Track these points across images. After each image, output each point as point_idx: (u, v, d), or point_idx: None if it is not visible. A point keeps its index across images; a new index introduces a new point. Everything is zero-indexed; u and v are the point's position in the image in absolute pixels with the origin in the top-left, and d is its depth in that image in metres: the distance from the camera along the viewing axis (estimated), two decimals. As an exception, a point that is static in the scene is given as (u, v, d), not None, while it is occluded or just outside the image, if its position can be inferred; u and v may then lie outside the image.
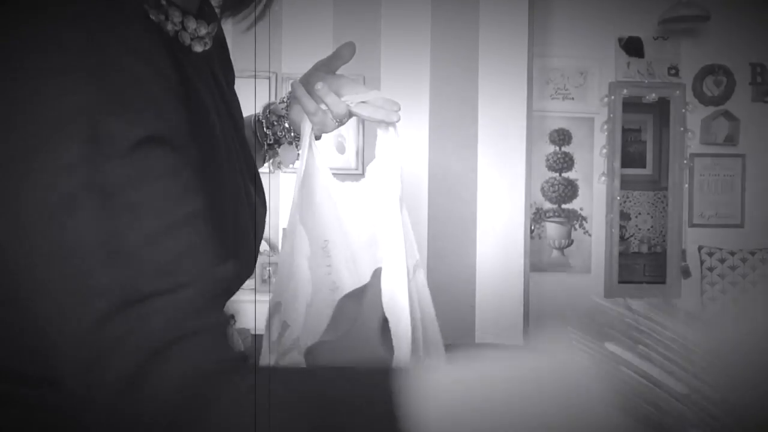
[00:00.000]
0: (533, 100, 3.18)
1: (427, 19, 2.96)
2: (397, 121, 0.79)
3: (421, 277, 0.81)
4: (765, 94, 3.98)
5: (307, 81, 0.84)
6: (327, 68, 0.84)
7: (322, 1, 2.90)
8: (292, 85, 0.86)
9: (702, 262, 3.88)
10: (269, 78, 2.82)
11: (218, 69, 0.74)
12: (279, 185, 2.85)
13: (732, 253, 3.84)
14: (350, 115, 0.82)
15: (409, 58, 2.94)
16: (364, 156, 2.85)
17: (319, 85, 0.80)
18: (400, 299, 0.68)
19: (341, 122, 0.84)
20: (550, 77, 3.88)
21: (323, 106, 0.81)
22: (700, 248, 3.91)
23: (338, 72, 0.85)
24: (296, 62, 2.87)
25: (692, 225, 3.98)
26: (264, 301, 2.86)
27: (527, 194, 3.00)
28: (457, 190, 2.97)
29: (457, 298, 2.89)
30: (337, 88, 0.80)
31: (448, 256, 2.89)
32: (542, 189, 3.94)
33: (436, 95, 2.96)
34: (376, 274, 0.73)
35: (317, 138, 0.85)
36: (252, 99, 0.93)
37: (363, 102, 0.78)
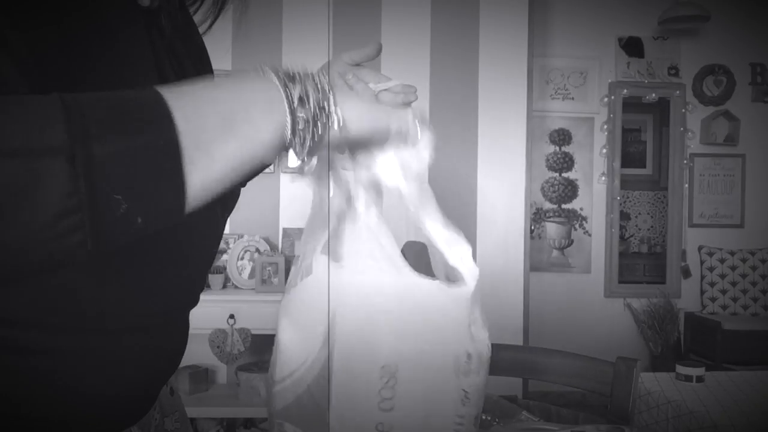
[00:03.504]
0: (533, 100, 3.18)
1: (427, 20, 2.96)
2: (415, 101, 0.85)
3: None
4: (765, 94, 3.98)
5: (334, 71, 0.87)
6: (351, 61, 0.88)
7: (322, 1, 2.90)
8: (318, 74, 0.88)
9: (702, 262, 3.88)
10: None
11: (174, 34, 0.72)
12: (279, 185, 2.86)
13: (732, 253, 3.84)
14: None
15: (409, 58, 2.94)
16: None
17: (350, 75, 0.83)
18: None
19: None
20: (550, 77, 3.89)
21: None
22: (700, 248, 3.91)
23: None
24: (296, 62, 2.87)
25: (692, 225, 3.98)
26: (264, 301, 2.85)
27: (527, 194, 3.00)
28: (457, 190, 2.97)
29: (457, 298, 2.89)
30: (362, 77, 0.85)
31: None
32: (542, 189, 3.94)
33: (436, 95, 2.96)
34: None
35: None
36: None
37: (385, 90, 0.83)
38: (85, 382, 0.62)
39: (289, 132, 0.48)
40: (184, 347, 0.77)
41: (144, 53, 0.63)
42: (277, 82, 0.49)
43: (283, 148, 0.49)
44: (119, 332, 0.49)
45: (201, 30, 0.74)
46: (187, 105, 0.42)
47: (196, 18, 0.73)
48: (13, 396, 0.59)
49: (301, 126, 0.49)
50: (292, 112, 0.48)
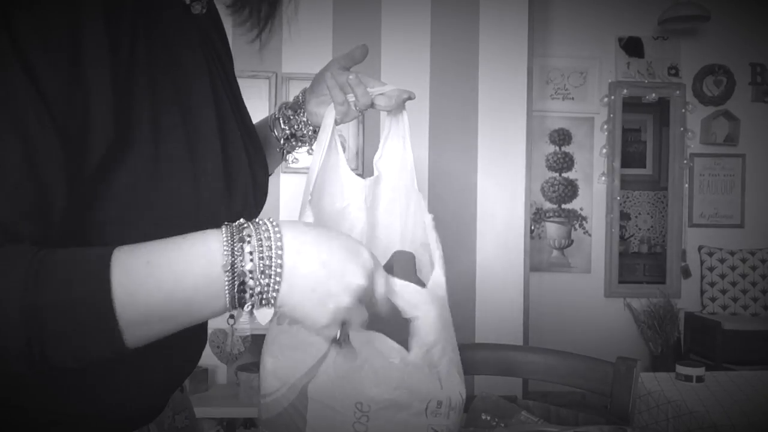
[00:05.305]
0: (533, 100, 3.18)
1: (427, 20, 2.96)
2: (413, 99, 0.86)
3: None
4: (765, 94, 3.98)
5: (327, 75, 0.88)
6: (340, 66, 0.88)
7: (322, 1, 2.90)
8: (322, 77, 0.89)
9: (702, 262, 3.88)
10: (269, 78, 2.82)
11: (215, 36, 0.77)
12: (279, 185, 2.86)
13: (732, 253, 3.84)
14: (372, 105, 0.87)
15: (409, 58, 2.94)
16: (364, 156, 2.85)
17: (351, 77, 0.83)
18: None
19: (362, 112, 0.89)
20: (550, 77, 3.89)
21: (350, 97, 0.85)
22: (700, 248, 3.91)
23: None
24: (296, 62, 2.87)
25: (692, 225, 3.98)
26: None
27: (527, 194, 3.00)
28: (457, 190, 2.97)
29: (457, 298, 2.89)
30: (361, 80, 0.86)
31: (448, 257, 2.88)
32: (542, 189, 3.94)
33: (436, 96, 2.96)
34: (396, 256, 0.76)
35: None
36: (253, 98, 0.95)
37: (381, 94, 0.84)
38: (113, 382, 0.63)
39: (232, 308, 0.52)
40: (203, 348, 0.79)
41: (202, 77, 0.68)
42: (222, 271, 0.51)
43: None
44: None
45: (251, 38, 0.77)
46: (133, 281, 0.49)
47: (246, 28, 0.76)
48: (41, 393, 0.59)
49: (247, 304, 0.52)
50: (234, 299, 0.52)
